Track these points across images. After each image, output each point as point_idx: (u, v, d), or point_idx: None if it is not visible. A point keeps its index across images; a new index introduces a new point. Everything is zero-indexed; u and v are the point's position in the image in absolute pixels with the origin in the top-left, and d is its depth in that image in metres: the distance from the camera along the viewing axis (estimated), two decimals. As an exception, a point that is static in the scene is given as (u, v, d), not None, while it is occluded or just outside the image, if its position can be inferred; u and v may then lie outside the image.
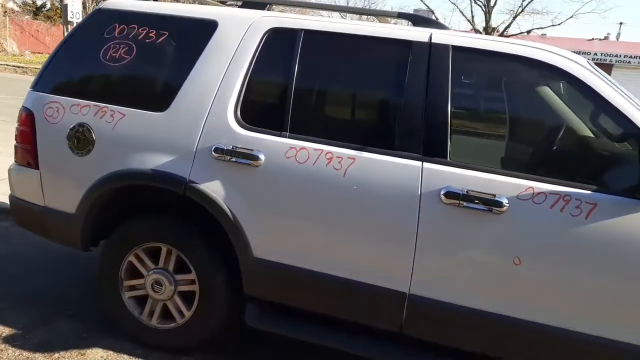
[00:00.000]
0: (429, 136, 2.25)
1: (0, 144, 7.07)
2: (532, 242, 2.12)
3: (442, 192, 2.18)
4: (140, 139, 2.57)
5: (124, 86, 2.70)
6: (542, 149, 2.43)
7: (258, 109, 2.53)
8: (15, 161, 2.88)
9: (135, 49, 2.65)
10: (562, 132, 2.39)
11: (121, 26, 2.70)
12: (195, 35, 2.61)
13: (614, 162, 2.34)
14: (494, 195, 2.14)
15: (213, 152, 2.45)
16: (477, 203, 2.15)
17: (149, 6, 2.75)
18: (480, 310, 2.20)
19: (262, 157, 2.38)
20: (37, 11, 31.25)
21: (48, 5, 31.77)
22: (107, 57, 2.69)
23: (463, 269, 2.20)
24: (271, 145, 2.40)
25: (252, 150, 2.40)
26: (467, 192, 2.16)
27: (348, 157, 2.30)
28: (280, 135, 2.41)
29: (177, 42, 2.63)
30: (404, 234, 2.23)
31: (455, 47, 2.31)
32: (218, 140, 2.46)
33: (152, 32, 2.65)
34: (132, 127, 2.58)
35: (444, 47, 2.31)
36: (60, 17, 26.68)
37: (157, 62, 2.67)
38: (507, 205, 2.12)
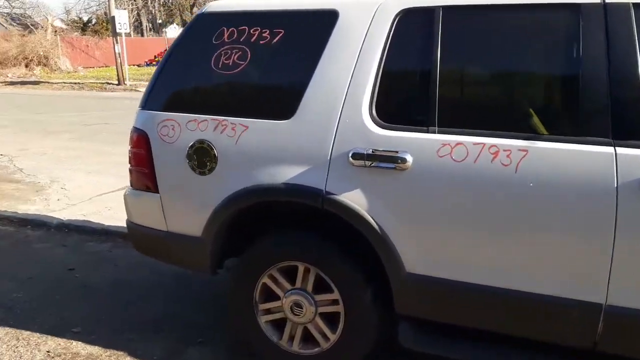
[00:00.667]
0: (619, 115, 1.90)
1: (77, 162, 7.18)
2: None
3: (645, 183, 1.83)
4: (267, 151, 2.35)
5: (242, 95, 2.48)
6: None
7: (397, 104, 2.25)
8: (131, 186, 2.73)
9: (249, 53, 2.42)
10: None
11: (230, 29, 2.47)
12: (314, 29, 2.34)
13: None
14: None
15: (350, 158, 2.19)
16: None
17: (256, 4, 2.50)
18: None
19: (409, 158, 2.10)
20: (84, 27, 32.24)
21: (94, 20, 32.71)
22: (220, 65, 2.47)
23: None
24: (418, 143, 2.11)
25: (396, 152, 2.12)
26: (676, 180, 1.80)
27: (518, 150, 1.97)
28: (427, 132, 2.12)
29: (295, 39, 2.38)
30: (597, 235, 1.90)
31: (637, 5, 1.93)
32: (354, 145, 2.19)
33: (266, 31, 2.40)
34: (257, 139, 2.36)
35: (623, 7, 1.94)
36: (107, 29, 27.38)
37: (276, 64, 2.42)
38: None
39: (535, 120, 2.03)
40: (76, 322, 2.99)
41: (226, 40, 2.47)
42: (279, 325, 2.54)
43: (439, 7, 2.16)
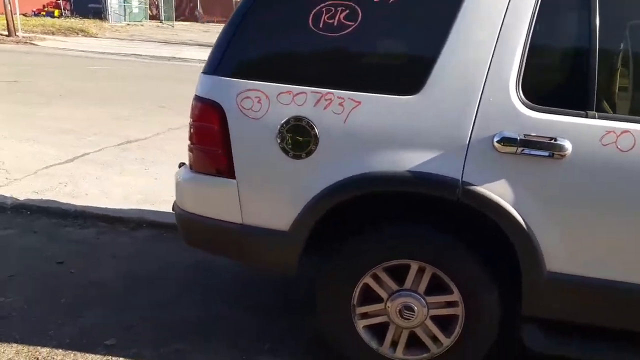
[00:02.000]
0: None
1: (1, 127, 6.10)
2: None
3: None
4: (386, 132, 1.97)
5: (353, 63, 2.06)
6: None
7: (549, 83, 1.99)
8: (192, 168, 2.22)
9: (360, 12, 1.99)
10: None
11: (335, -18, 2.03)
12: None
13: None
14: None
15: (495, 143, 1.89)
16: None
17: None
18: None
19: (568, 146, 1.85)
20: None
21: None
22: (321, 25, 2.02)
23: None
24: (578, 130, 1.87)
25: (554, 138, 1.86)
26: None
27: None
28: (587, 117, 1.88)
29: (415, 1, 2.00)
30: None
31: None
32: (501, 128, 1.90)
33: (379, -13, 1.99)
34: (373, 117, 1.97)
35: None
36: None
37: (395, 27, 2.02)
38: None
39: None
40: (104, 332, 2.44)
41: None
42: (378, 330, 2.23)
43: None
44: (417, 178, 1.95)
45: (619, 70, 2.00)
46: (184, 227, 2.34)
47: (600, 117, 1.87)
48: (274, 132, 2.04)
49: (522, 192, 1.91)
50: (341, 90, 1.99)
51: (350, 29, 2.00)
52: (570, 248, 1.94)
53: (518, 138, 1.87)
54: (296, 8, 2.06)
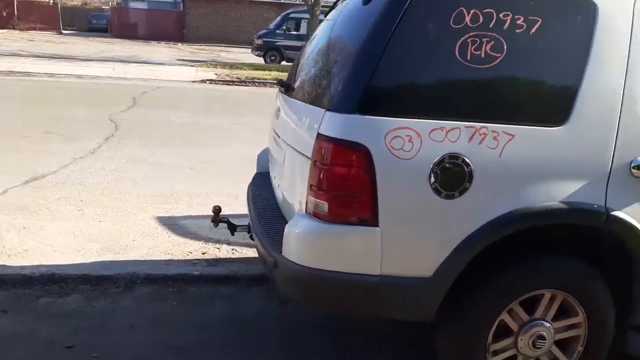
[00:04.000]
0: None
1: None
2: None
3: None
4: (536, 164, 1.96)
5: (503, 96, 1.99)
6: None
7: None
8: (321, 218, 1.93)
9: (504, 44, 1.94)
10: None
11: (472, 11, 1.93)
12: (575, 22, 2.02)
13: None
14: None
15: (633, 170, 2.01)
16: None
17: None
18: None
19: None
20: None
21: None
22: (469, 57, 1.92)
23: None
24: None
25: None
26: None
27: None
28: None
29: (556, 31, 2.01)
30: None
31: None
32: (636, 155, 2.02)
33: (520, 18, 1.96)
34: (524, 150, 1.94)
35: None
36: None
37: (538, 59, 2.00)
38: None
39: None
40: None
41: (470, 24, 1.93)
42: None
43: None
44: (571, 209, 1.97)
45: None
46: (305, 284, 2.02)
47: None
48: (426, 172, 1.89)
49: None
50: (494, 124, 1.92)
51: (497, 60, 1.94)
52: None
53: (653, 163, 2.01)
54: (441, 38, 1.93)
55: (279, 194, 2.61)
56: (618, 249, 2.09)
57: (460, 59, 1.92)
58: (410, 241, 1.96)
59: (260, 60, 19.81)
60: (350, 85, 1.93)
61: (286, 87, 2.70)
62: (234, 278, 3.25)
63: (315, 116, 2.05)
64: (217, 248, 3.72)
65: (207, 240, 3.83)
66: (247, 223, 2.86)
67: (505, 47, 1.94)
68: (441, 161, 1.89)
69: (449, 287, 1.99)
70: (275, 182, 2.77)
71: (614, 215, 2.01)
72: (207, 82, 13.65)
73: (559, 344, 2.20)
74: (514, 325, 2.13)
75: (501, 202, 1.94)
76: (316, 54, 2.56)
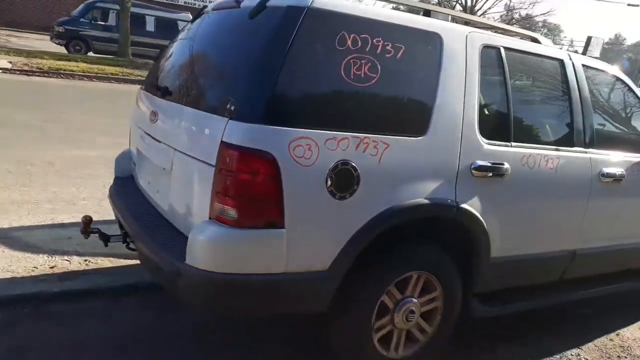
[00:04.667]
0: None
1: None
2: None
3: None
4: (406, 168, 2.33)
5: (380, 111, 2.28)
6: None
7: (490, 123, 2.65)
8: (229, 224, 2.01)
9: (379, 66, 2.26)
10: None
11: (352, 36, 2.21)
12: (426, 49, 2.43)
13: None
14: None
15: (473, 170, 2.51)
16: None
17: (368, 11, 2.31)
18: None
19: (508, 168, 2.62)
20: None
21: None
22: (352, 76, 2.19)
23: None
24: (511, 156, 2.65)
25: (503, 163, 2.60)
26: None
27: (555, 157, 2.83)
28: (511, 146, 2.68)
29: (415, 57, 2.39)
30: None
31: None
32: (474, 159, 2.52)
33: (388, 44, 2.30)
34: (397, 156, 2.29)
35: None
36: None
37: (403, 80, 2.35)
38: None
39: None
40: None
41: (351, 47, 2.21)
42: (384, 339, 2.54)
43: (501, 47, 2.71)
44: (432, 205, 2.38)
45: (522, 112, 2.88)
46: (213, 290, 2.08)
47: (514, 147, 2.70)
48: (323, 177, 2.11)
49: (486, 205, 2.58)
50: (374, 134, 2.22)
51: (374, 80, 2.24)
52: (506, 238, 2.71)
53: (486, 165, 2.53)
54: (329, 58, 2.15)
55: (159, 200, 2.58)
56: (464, 233, 2.58)
57: (345, 77, 2.17)
58: (311, 239, 2.16)
59: (62, 50, 17.93)
60: (255, 97, 2.05)
61: (161, 90, 2.66)
62: (98, 291, 3.07)
63: (214, 124, 2.11)
64: (67, 260, 3.44)
65: (51, 252, 3.51)
66: (120, 232, 2.75)
67: (379, 68, 2.26)
68: (335, 167, 2.13)
69: (341, 279, 2.25)
70: (150, 187, 2.72)
71: (461, 207, 2.48)
72: (0, 71, 11.95)
73: (423, 316, 2.63)
74: (390, 304, 2.48)
75: (381, 202, 2.26)
76: (198, 60, 2.59)
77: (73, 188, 4.86)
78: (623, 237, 3.37)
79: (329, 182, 2.12)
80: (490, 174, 2.56)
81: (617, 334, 3.44)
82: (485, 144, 2.56)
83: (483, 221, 2.57)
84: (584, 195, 3.01)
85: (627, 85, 3.43)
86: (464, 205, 2.49)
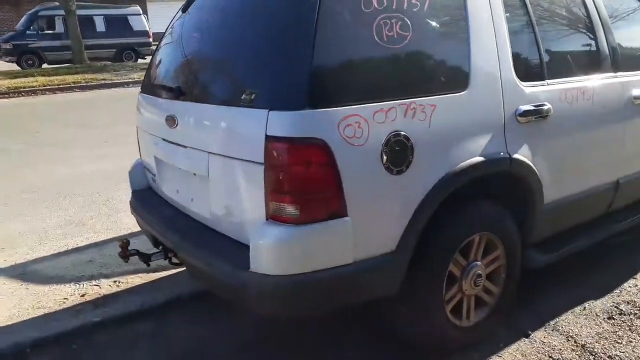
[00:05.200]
0: None
1: None
2: None
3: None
4: (456, 127, 2.18)
5: (418, 71, 2.11)
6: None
7: (523, 64, 2.49)
8: (295, 223, 1.86)
9: (409, 23, 2.08)
10: None
11: (376, -6, 2.02)
12: None
13: None
14: None
15: (518, 117, 2.37)
16: None
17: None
18: None
19: (550, 107, 2.50)
20: None
21: None
22: (385, 38, 2.01)
23: None
24: (549, 95, 2.52)
25: (544, 104, 2.47)
26: None
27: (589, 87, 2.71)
28: (547, 84, 2.54)
29: (440, 7, 2.21)
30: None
31: None
32: (517, 105, 2.38)
33: (412, -4, 2.12)
34: (445, 117, 2.14)
35: None
36: None
37: (435, 34, 2.18)
38: None
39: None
40: None
41: (377, 7, 2.02)
42: (455, 308, 2.44)
43: None
44: (489, 161, 2.24)
45: (555, 47, 2.72)
46: (288, 294, 1.93)
47: (550, 84, 2.56)
48: (378, 154, 1.95)
49: (536, 150, 2.44)
50: (419, 97, 2.06)
51: (407, 39, 2.07)
52: (557, 182, 2.61)
53: (530, 109, 2.40)
54: (359, 23, 1.97)
55: (196, 208, 2.40)
56: (518, 184, 2.47)
57: (378, 40, 2.00)
58: (375, 223, 2.02)
59: (14, 67, 17.19)
60: (292, 81, 1.87)
61: (174, 92, 2.45)
62: (142, 312, 2.91)
63: (253, 118, 1.92)
64: (96, 285, 3.25)
65: (77, 280, 3.32)
66: (158, 249, 2.57)
67: (410, 25, 2.08)
68: (388, 141, 1.97)
69: (410, 257, 2.12)
70: (181, 196, 2.53)
71: (514, 158, 2.35)
72: (-43, 102, 11.40)
73: (488, 277, 2.52)
74: (457, 273, 2.37)
75: (438, 168, 2.12)
76: (213, 51, 2.37)
77: (76, 208, 4.63)
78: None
79: (385, 158, 1.97)
80: (534, 118, 2.43)
81: (664, 255, 3.41)
82: (524, 87, 2.42)
83: (535, 168, 2.45)
84: (621, 121, 2.91)
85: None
86: (516, 156, 2.36)
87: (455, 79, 2.20)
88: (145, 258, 2.56)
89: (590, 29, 2.85)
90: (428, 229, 2.16)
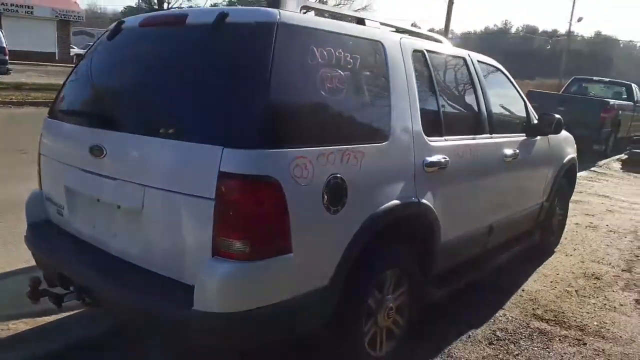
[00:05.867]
0: None
1: None
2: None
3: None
4: (378, 174, 2.43)
5: (352, 121, 2.32)
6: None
7: (428, 121, 2.82)
8: (242, 258, 1.89)
9: (344, 77, 2.30)
10: None
11: (319, 49, 2.21)
12: (374, 57, 2.54)
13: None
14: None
15: (425, 167, 2.70)
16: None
17: (327, 24, 2.33)
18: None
19: (448, 160, 2.87)
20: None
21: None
22: (327, 90, 2.20)
23: None
24: (447, 149, 2.90)
25: (444, 157, 2.83)
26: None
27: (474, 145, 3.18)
28: (445, 140, 2.92)
29: (368, 66, 2.47)
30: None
31: None
32: (424, 157, 2.70)
33: (347, 55, 2.35)
34: (371, 163, 2.37)
35: None
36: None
37: (363, 89, 2.42)
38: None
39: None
40: None
41: (320, 61, 2.21)
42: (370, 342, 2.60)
43: (425, 50, 2.94)
44: (405, 205, 2.52)
45: (449, 106, 3.14)
46: (231, 330, 1.93)
47: (446, 140, 2.95)
48: (319, 194, 2.10)
49: (436, 195, 2.79)
50: (352, 145, 2.27)
51: (344, 92, 2.28)
52: (450, 222, 2.96)
53: (435, 161, 2.74)
54: (304, 73, 2.14)
55: (118, 244, 2.29)
56: (423, 225, 2.77)
57: (322, 91, 2.18)
58: (313, 258, 2.14)
59: None
60: (247, 119, 1.95)
61: (102, 120, 2.34)
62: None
63: (205, 154, 1.95)
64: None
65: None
66: (68, 289, 2.37)
67: (345, 80, 2.31)
68: (328, 182, 2.13)
69: (340, 290, 2.26)
70: (99, 231, 2.38)
71: (422, 203, 2.66)
72: None
73: (396, 310, 2.74)
74: (374, 306, 2.55)
75: (365, 209, 2.33)
76: (156, 83, 2.32)
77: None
78: (518, 205, 3.91)
79: (325, 198, 2.12)
80: (437, 168, 2.77)
81: (523, 289, 3.98)
82: (429, 141, 2.77)
83: (436, 212, 2.78)
84: (495, 174, 3.43)
85: (505, 75, 3.96)
86: (423, 200, 2.67)
87: (380, 130, 2.46)
88: (58, 300, 2.35)
89: (474, 98, 3.36)
90: (353, 265, 2.33)
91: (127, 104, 2.39)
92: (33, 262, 2.77)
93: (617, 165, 11.25)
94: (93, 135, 2.35)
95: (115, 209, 2.27)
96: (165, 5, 24.01)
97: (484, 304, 3.66)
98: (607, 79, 15.40)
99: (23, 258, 3.22)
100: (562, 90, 14.70)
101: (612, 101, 12.18)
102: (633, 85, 14.03)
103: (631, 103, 13.37)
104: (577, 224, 5.99)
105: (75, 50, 34.58)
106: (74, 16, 30.45)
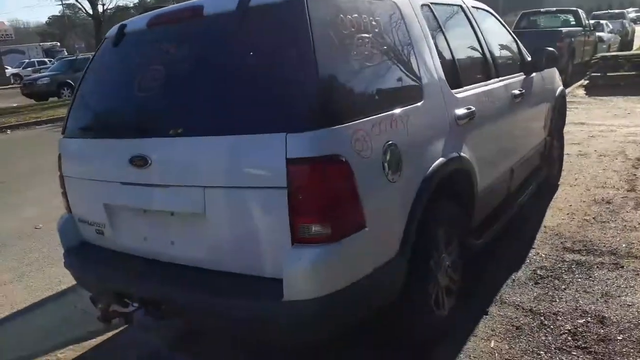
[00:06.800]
0: None
1: None
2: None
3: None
4: (421, 134, 2.41)
5: (390, 85, 2.29)
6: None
7: (448, 74, 2.79)
8: (326, 240, 1.86)
9: (375, 42, 2.26)
10: None
11: (347, 17, 2.15)
12: (392, 18, 2.49)
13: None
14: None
15: (457, 121, 2.70)
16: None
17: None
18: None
19: (475, 109, 2.88)
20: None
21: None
22: (364, 57, 2.15)
23: None
24: (470, 98, 2.90)
25: (470, 107, 2.84)
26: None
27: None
28: (465, 91, 2.92)
29: (390, 27, 2.43)
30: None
31: None
32: (454, 110, 2.70)
33: (372, 19, 2.29)
34: (415, 125, 2.35)
35: None
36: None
37: (392, 51, 2.37)
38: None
39: None
40: None
41: (352, 29, 2.16)
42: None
43: (428, 3, 2.91)
44: (450, 159, 2.52)
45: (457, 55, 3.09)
46: (324, 317, 1.91)
47: (464, 90, 2.94)
48: (380, 164, 2.07)
49: (470, 146, 2.80)
50: (395, 110, 2.24)
51: (378, 57, 2.25)
52: (483, 171, 2.99)
53: (464, 113, 2.74)
54: (344, 43, 2.09)
55: (178, 251, 2.22)
56: (464, 178, 2.78)
57: (361, 59, 2.14)
58: (384, 228, 2.12)
59: None
60: (304, 101, 1.89)
61: (139, 129, 2.25)
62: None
63: (268, 143, 1.89)
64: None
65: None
66: (133, 306, 2.28)
67: (377, 44, 2.27)
68: (385, 151, 2.10)
69: (409, 257, 2.26)
70: (152, 242, 2.30)
71: (462, 156, 2.67)
72: None
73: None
74: (433, 266, 2.54)
75: (419, 172, 2.32)
76: (193, 81, 2.20)
77: None
78: (530, 144, 3.98)
79: (385, 167, 2.10)
80: (467, 119, 2.78)
81: (545, 226, 4.08)
82: (455, 94, 2.76)
83: (472, 163, 2.79)
84: (509, 116, 3.46)
85: (495, 17, 3.98)
86: (462, 154, 2.68)
87: (414, 91, 2.44)
88: (129, 317, 2.26)
89: (478, 44, 3.36)
90: (416, 230, 2.32)
91: (166, 109, 2.26)
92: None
93: (582, 92, 11.54)
94: (131, 146, 2.23)
95: (168, 216, 2.19)
96: (100, 8, 23.05)
97: (514, 248, 3.73)
98: (554, 9, 15.71)
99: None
100: (513, 27, 14.93)
101: (564, 30, 12.46)
102: (579, 10, 14.37)
103: (580, 28, 13.71)
104: (567, 154, 6.15)
105: (10, 70, 33.04)
106: (3, 35, 28.95)
